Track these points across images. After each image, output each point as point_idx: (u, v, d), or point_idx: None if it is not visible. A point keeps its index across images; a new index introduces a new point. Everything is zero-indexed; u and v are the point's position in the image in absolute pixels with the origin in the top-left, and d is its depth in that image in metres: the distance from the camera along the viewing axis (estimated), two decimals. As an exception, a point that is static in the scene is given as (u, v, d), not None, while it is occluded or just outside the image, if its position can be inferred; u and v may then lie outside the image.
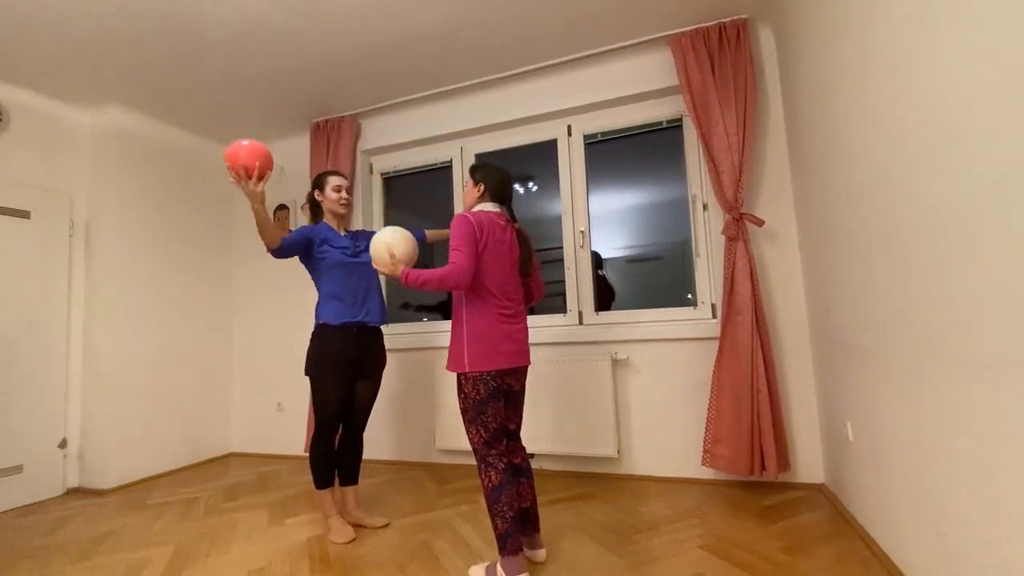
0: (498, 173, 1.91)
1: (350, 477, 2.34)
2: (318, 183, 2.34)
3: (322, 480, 2.24)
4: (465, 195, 1.96)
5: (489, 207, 1.89)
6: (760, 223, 2.48)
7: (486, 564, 1.78)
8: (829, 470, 2.36)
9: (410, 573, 1.84)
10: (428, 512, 2.42)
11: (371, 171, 3.66)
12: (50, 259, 3.06)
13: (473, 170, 1.93)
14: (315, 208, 2.37)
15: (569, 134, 3.11)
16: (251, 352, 3.89)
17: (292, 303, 3.70)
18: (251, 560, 2.01)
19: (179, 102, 3.26)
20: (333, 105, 3.40)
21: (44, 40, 2.52)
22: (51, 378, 3.03)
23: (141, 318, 3.32)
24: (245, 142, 1.94)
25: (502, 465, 1.76)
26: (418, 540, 2.12)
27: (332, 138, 3.46)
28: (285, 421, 3.69)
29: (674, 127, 2.92)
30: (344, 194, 2.31)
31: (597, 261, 3.20)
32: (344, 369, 2.20)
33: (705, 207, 2.77)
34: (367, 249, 2.33)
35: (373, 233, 2.40)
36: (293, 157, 3.82)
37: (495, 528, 1.71)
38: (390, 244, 1.82)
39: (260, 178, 1.96)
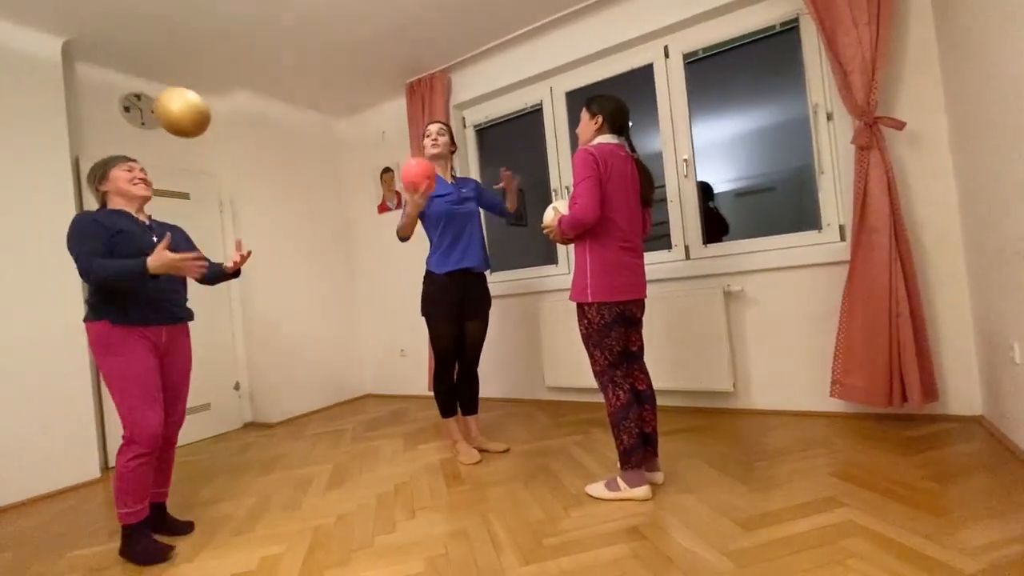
0: (613, 101, 1.88)
1: (470, 407, 2.55)
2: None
3: (446, 409, 2.48)
4: (581, 129, 1.94)
5: (608, 139, 1.87)
6: (900, 126, 2.16)
7: (603, 481, 1.87)
8: (988, 399, 2.10)
9: (533, 488, 1.99)
10: (544, 440, 2.57)
11: (464, 125, 3.74)
12: (208, 232, 3.59)
13: (588, 101, 1.91)
14: None
15: (666, 55, 2.90)
16: (373, 305, 4.30)
17: (404, 256, 3.98)
18: (396, 476, 2.30)
19: (290, 81, 3.55)
20: (424, 62, 3.49)
21: (176, 35, 2.87)
22: (221, 332, 3.62)
23: (282, 279, 3.80)
24: (414, 161, 2.15)
25: (628, 385, 1.83)
26: (538, 463, 2.27)
27: (426, 96, 3.57)
28: (409, 365, 4.07)
29: (788, 30, 2.59)
30: (433, 137, 2.44)
31: (707, 193, 3.01)
32: (452, 310, 2.38)
33: (829, 116, 2.48)
34: (471, 197, 2.46)
35: (475, 181, 2.53)
36: (393, 121, 4.03)
37: (620, 444, 1.79)
38: (556, 206, 1.93)
39: (425, 192, 2.17)
